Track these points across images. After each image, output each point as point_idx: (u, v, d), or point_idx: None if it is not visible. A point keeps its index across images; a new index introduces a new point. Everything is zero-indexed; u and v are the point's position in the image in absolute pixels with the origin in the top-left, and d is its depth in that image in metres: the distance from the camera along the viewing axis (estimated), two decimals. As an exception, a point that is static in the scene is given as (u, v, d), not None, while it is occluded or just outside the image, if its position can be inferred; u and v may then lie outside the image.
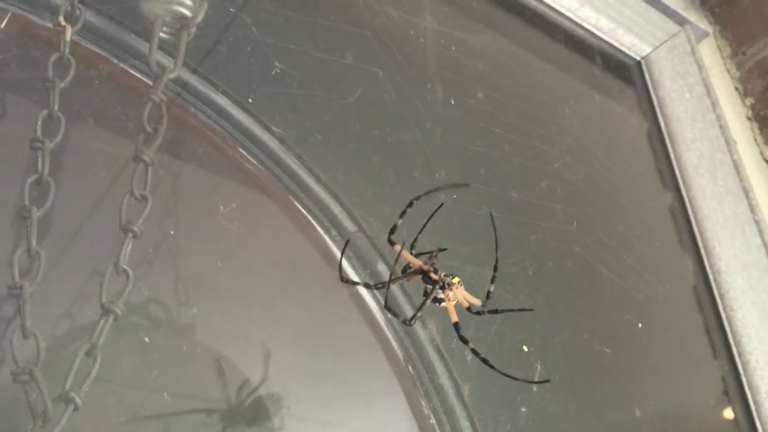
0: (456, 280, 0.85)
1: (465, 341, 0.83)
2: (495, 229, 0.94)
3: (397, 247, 0.84)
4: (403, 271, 0.86)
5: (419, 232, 0.87)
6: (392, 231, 0.86)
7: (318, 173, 1.05)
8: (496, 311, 0.93)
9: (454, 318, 0.83)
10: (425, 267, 0.85)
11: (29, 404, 0.66)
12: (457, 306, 0.85)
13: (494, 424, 1.02)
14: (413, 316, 0.82)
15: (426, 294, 0.85)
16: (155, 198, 0.81)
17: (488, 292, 0.89)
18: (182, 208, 0.95)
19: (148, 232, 0.81)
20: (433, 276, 0.84)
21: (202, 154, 1.00)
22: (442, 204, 0.91)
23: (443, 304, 0.85)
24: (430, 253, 0.87)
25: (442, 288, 0.84)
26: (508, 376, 0.85)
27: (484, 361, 0.84)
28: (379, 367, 1.02)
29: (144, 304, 0.87)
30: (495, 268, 0.92)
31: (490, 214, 0.99)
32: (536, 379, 1.08)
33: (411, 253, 0.87)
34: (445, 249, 0.89)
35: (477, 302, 0.88)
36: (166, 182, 0.95)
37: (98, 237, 0.85)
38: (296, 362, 0.96)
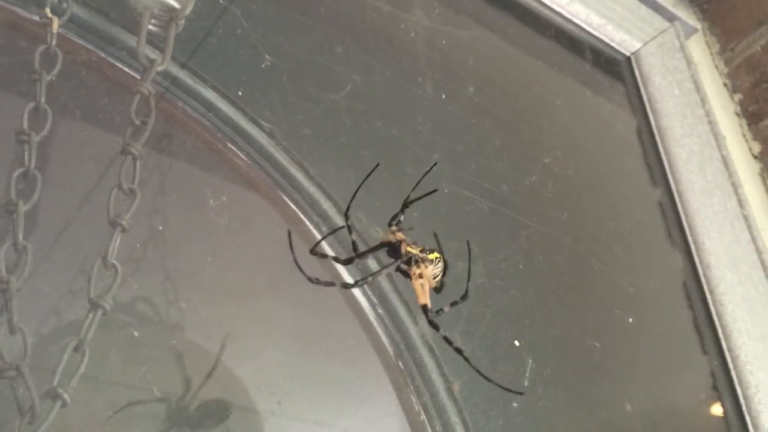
0: (434, 255, 0.83)
1: (436, 327, 0.80)
2: (470, 257, 0.93)
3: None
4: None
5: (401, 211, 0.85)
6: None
7: (307, 168, 1.04)
8: (441, 311, 0.92)
9: (423, 300, 0.80)
10: (393, 238, 0.82)
11: (16, 400, 0.65)
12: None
13: (485, 419, 1.02)
14: (363, 279, 0.80)
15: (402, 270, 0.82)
16: (144, 192, 0.81)
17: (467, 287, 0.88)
18: (171, 203, 0.94)
19: (137, 227, 0.80)
20: (410, 249, 0.81)
21: (191, 149, 1.00)
22: (435, 189, 0.89)
23: (420, 280, 0.82)
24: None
25: (408, 263, 0.81)
26: (483, 376, 0.83)
27: (458, 350, 0.81)
28: (369, 364, 1.02)
29: (132, 300, 0.86)
30: (464, 296, 0.90)
31: (467, 242, 0.98)
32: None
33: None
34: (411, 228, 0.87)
35: (433, 284, 0.85)
36: (154, 177, 0.94)
37: (86, 231, 0.84)
38: (286, 359, 0.96)
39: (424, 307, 0.80)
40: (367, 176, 0.84)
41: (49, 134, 0.79)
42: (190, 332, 0.89)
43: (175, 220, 0.94)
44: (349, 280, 0.97)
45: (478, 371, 0.83)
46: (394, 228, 0.82)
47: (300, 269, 0.80)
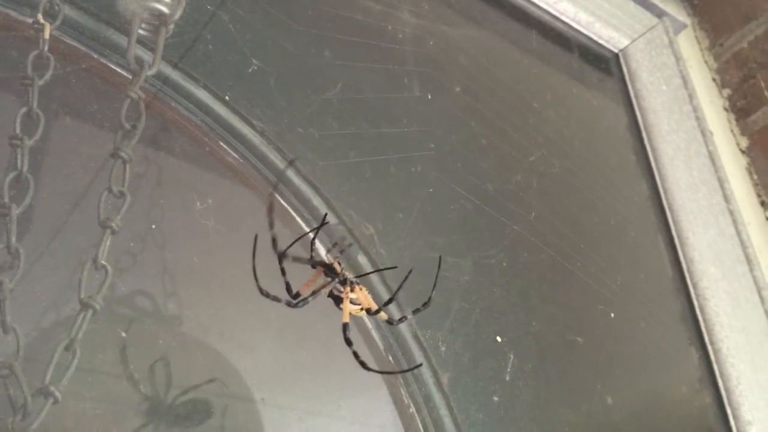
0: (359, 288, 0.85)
1: (349, 343, 0.83)
2: (439, 270, 0.94)
3: (303, 290, 0.83)
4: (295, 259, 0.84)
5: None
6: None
7: (298, 167, 1.06)
8: (401, 319, 0.95)
9: (346, 318, 0.83)
10: (329, 260, 0.84)
11: (9, 398, 0.67)
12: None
13: (466, 413, 1.04)
14: (303, 299, 0.81)
15: (321, 285, 0.83)
16: (136, 192, 0.82)
17: (390, 299, 0.90)
18: (163, 202, 0.96)
19: (129, 226, 0.82)
20: (336, 268, 0.83)
21: (183, 149, 1.01)
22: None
23: (355, 307, 0.84)
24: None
25: (343, 283, 0.84)
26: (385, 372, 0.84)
27: (362, 364, 0.84)
28: (359, 350, 1.03)
29: (124, 298, 0.88)
30: (426, 304, 0.91)
31: (439, 257, 1.00)
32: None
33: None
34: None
35: (374, 306, 0.87)
36: (147, 177, 0.95)
37: (78, 233, 0.86)
38: (277, 353, 0.98)
39: (345, 326, 0.82)
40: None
41: (42, 138, 0.81)
42: (183, 328, 0.91)
43: (169, 217, 0.95)
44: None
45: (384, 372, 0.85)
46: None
47: (255, 278, 0.81)
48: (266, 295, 0.81)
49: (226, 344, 0.93)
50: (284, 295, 0.81)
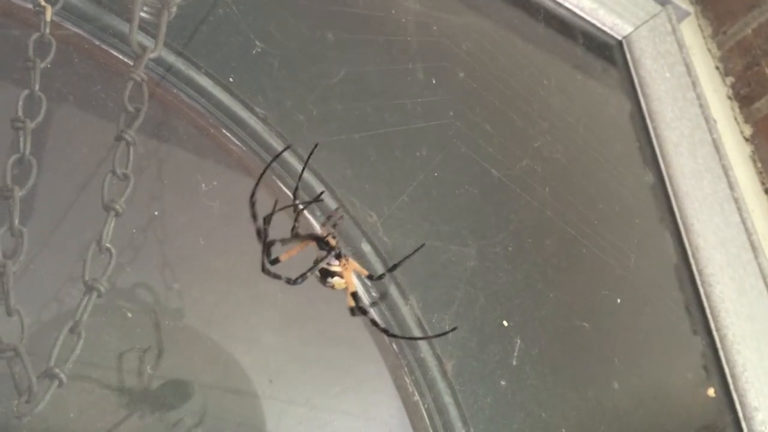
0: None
1: (364, 312, 0.81)
2: (412, 253, 0.93)
3: (283, 256, 0.81)
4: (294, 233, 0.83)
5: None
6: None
7: (301, 153, 1.05)
8: (393, 267, 0.93)
9: (353, 287, 0.81)
10: (322, 232, 0.82)
11: (14, 380, 0.67)
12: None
13: (474, 397, 1.04)
14: (302, 275, 0.78)
15: (317, 259, 0.81)
16: (139, 179, 0.82)
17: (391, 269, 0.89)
18: (166, 189, 0.95)
19: (133, 212, 0.81)
20: (331, 241, 0.81)
21: (185, 135, 1.01)
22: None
23: (334, 278, 0.82)
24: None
25: (338, 257, 0.82)
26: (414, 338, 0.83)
27: (385, 331, 0.82)
28: (363, 345, 1.03)
29: (128, 284, 0.88)
30: (390, 269, 0.91)
31: (421, 245, 0.98)
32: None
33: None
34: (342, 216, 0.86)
35: (364, 272, 0.86)
36: (149, 163, 0.95)
37: (82, 216, 0.86)
38: (279, 341, 0.97)
39: (354, 295, 0.81)
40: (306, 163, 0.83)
41: (44, 121, 0.80)
42: (187, 317, 0.90)
43: (171, 205, 0.95)
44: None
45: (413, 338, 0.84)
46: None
47: (263, 255, 0.80)
48: (267, 272, 0.79)
49: (228, 335, 0.92)
50: (284, 273, 0.79)
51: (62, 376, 0.68)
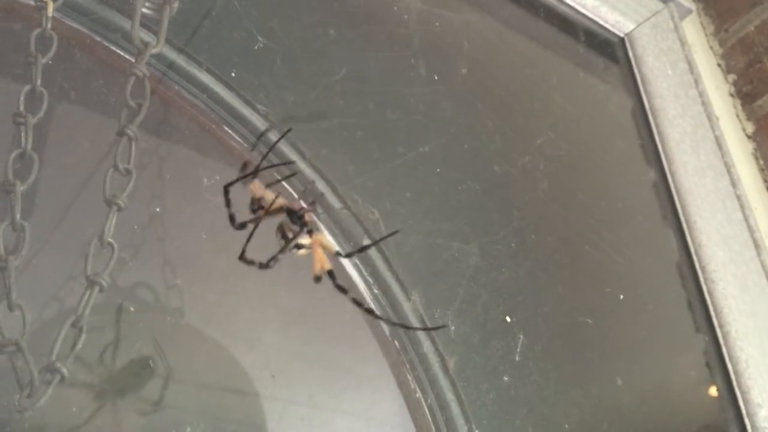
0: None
1: (343, 290, 0.79)
2: (384, 237, 0.91)
3: (249, 222, 0.78)
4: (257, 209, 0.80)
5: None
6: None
7: (302, 149, 1.05)
8: (363, 248, 0.94)
9: (328, 265, 0.79)
10: (295, 205, 0.79)
11: (16, 375, 0.67)
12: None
13: (476, 393, 1.04)
14: (273, 258, 0.76)
15: (286, 237, 0.79)
16: (141, 176, 0.82)
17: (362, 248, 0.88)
18: (167, 186, 0.95)
19: (134, 209, 0.81)
20: (306, 218, 0.78)
21: (187, 132, 1.01)
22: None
23: (302, 251, 0.79)
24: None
25: (309, 232, 0.80)
26: (398, 324, 0.82)
27: (369, 311, 0.81)
28: (365, 343, 1.03)
29: (129, 282, 0.87)
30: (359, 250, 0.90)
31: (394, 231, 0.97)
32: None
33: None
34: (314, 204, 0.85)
35: (335, 247, 0.84)
36: (151, 160, 0.95)
37: (85, 212, 0.86)
38: (281, 339, 0.97)
39: (331, 273, 0.79)
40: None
41: (46, 116, 0.80)
42: (186, 313, 0.90)
43: (172, 202, 0.95)
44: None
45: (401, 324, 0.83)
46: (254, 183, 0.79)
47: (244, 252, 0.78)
48: (243, 258, 0.77)
49: (229, 333, 0.92)
50: (259, 258, 0.78)
51: (64, 370, 0.67)
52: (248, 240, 0.77)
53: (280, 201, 0.81)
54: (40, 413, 0.71)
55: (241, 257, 0.77)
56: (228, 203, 0.81)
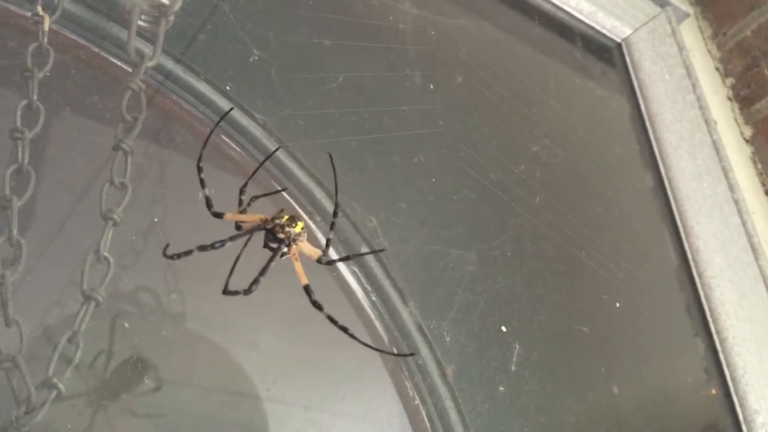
0: (299, 227, 0.79)
1: (319, 307, 0.78)
2: (334, 169, 0.89)
3: (228, 215, 0.79)
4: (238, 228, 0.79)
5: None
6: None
7: (300, 158, 1.06)
8: (346, 258, 0.94)
9: (304, 280, 0.78)
10: (265, 219, 0.78)
11: (13, 391, 0.67)
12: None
13: (473, 403, 1.04)
14: (255, 281, 0.75)
15: (271, 252, 0.78)
16: (139, 186, 0.82)
17: (327, 240, 0.84)
18: (166, 194, 0.96)
19: (133, 218, 0.82)
20: (280, 234, 0.77)
21: (185, 141, 1.01)
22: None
23: (284, 257, 0.78)
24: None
25: (288, 245, 0.78)
26: (369, 346, 0.82)
27: (343, 329, 0.79)
28: (363, 350, 1.03)
29: (129, 289, 0.88)
30: (335, 214, 0.87)
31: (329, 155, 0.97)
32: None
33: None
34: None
35: (317, 253, 0.82)
36: (149, 169, 0.95)
37: (80, 226, 0.86)
38: (279, 345, 0.97)
39: (307, 288, 0.78)
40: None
41: (42, 131, 0.81)
42: (186, 320, 0.91)
43: (171, 210, 0.95)
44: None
45: (367, 345, 0.82)
46: (228, 214, 0.79)
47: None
48: (226, 291, 0.76)
49: (229, 339, 0.93)
50: (241, 286, 0.77)
51: (60, 386, 0.68)
52: (230, 274, 0.76)
53: (256, 218, 0.80)
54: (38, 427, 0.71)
55: (225, 291, 0.75)
56: (202, 183, 0.81)
